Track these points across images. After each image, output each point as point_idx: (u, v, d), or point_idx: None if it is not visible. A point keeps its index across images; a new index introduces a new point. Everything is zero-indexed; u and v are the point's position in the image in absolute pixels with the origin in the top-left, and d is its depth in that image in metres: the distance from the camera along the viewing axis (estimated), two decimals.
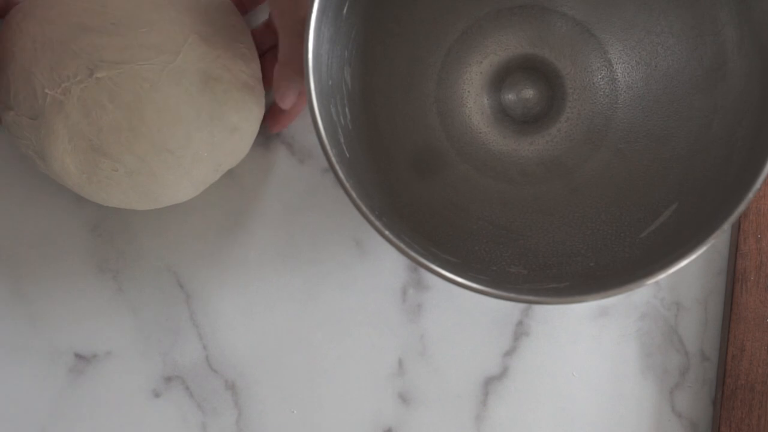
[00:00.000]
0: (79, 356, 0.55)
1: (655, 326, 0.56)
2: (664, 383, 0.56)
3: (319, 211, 0.55)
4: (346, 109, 0.48)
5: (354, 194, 0.42)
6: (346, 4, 0.46)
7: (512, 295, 0.42)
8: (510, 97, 0.55)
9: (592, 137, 0.53)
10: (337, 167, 0.42)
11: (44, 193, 0.55)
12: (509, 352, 0.56)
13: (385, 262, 0.56)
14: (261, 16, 0.55)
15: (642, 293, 0.56)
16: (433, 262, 0.42)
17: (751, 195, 0.42)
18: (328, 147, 0.42)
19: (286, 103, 0.49)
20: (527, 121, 0.55)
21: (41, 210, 0.55)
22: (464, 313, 0.56)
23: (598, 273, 0.46)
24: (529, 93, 0.55)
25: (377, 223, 0.42)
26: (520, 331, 0.56)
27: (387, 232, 0.42)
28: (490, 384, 0.56)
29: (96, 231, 0.55)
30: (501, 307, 0.56)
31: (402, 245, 0.42)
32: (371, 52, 0.51)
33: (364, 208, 0.42)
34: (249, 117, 0.50)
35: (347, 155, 0.44)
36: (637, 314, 0.56)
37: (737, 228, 0.54)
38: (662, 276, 0.42)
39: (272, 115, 0.54)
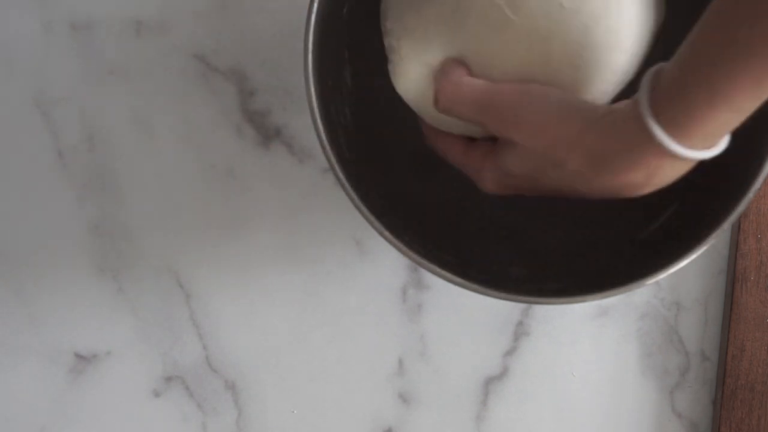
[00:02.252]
0: (79, 356, 0.55)
1: (655, 326, 0.56)
2: (664, 383, 0.56)
3: (319, 211, 0.55)
4: (346, 109, 0.48)
5: (354, 194, 0.41)
6: (346, 5, 0.46)
7: (512, 295, 0.42)
8: None
9: None
10: (337, 167, 0.42)
11: (44, 193, 0.55)
12: (509, 352, 0.56)
13: (385, 262, 0.56)
14: None
15: (642, 293, 0.56)
16: (433, 262, 0.42)
17: (751, 195, 0.42)
18: (328, 147, 0.42)
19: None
20: None
21: (41, 210, 0.55)
22: (464, 313, 0.56)
23: (598, 273, 0.46)
24: None
25: (377, 223, 0.42)
26: (520, 331, 0.56)
27: (387, 232, 0.42)
28: (490, 384, 0.56)
29: (96, 231, 0.55)
30: (501, 307, 0.56)
31: (402, 245, 0.42)
32: (371, 52, 0.51)
33: (364, 208, 0.41)
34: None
35: (347, 155, 0.44)
36: (637, 314, 0.56)
37: (737, 228, 0.54)
38: (662, 276, 0.42)
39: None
